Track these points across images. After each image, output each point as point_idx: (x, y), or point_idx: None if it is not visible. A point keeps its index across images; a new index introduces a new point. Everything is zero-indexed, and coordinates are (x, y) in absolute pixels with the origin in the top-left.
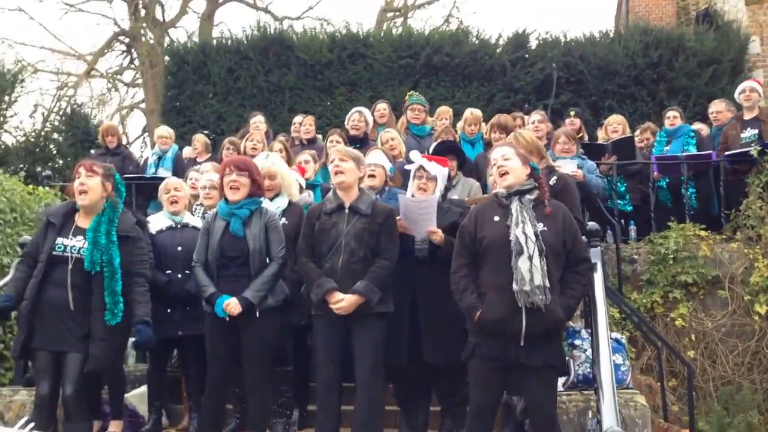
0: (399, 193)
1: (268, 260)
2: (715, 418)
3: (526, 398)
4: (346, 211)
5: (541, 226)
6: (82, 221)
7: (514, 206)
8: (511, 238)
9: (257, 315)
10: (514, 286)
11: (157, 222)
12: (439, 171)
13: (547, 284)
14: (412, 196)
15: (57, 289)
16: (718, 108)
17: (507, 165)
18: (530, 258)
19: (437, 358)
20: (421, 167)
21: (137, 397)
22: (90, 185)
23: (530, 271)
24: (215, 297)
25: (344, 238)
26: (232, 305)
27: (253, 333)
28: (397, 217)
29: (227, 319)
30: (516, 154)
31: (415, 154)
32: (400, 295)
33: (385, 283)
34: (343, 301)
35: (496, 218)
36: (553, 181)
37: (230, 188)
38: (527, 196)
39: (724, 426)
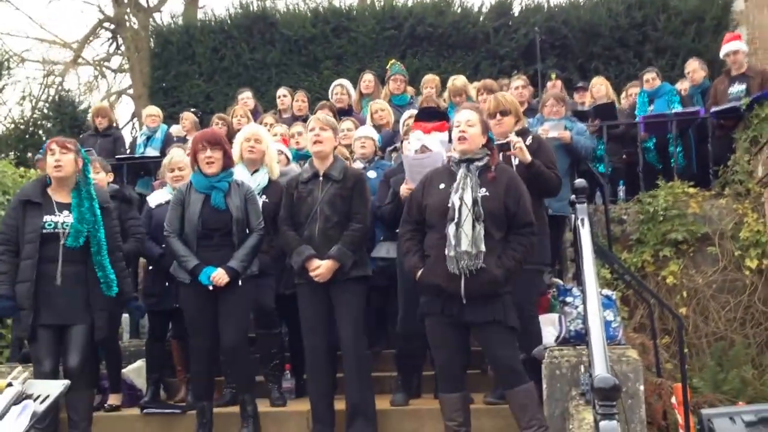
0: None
1: (247, 231)
2: (709, 374)
3: (486, 356)
4: (321, 178)
5: (483, 191)
6: (58, 196)
7: (460, 173)
8: (449, 205)
9: (239, 284)
10: (446, 252)
11: (158, 196)
12: (440, 139)
13: (482, 248)
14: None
15: (53, 265)
16: (692, 67)
17: (468, 131)
18: (458, 224)
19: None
20: (423, 146)
21: (135, 371)
22: (65, 161)
23: (456, 236)
24: (200, 268)
25: (319, 206)
26: (219, 275)
27: (231, 301)
28: (405, 182)
29: (211, 288)
30: (479, 121)
31: (414, 135)
32: None
33: (360, 247)
34: (320, 268)
35: (442, 186)
36: (529, 141)
37: (206, 163)
38: (476, 163)
39: (719, 382)
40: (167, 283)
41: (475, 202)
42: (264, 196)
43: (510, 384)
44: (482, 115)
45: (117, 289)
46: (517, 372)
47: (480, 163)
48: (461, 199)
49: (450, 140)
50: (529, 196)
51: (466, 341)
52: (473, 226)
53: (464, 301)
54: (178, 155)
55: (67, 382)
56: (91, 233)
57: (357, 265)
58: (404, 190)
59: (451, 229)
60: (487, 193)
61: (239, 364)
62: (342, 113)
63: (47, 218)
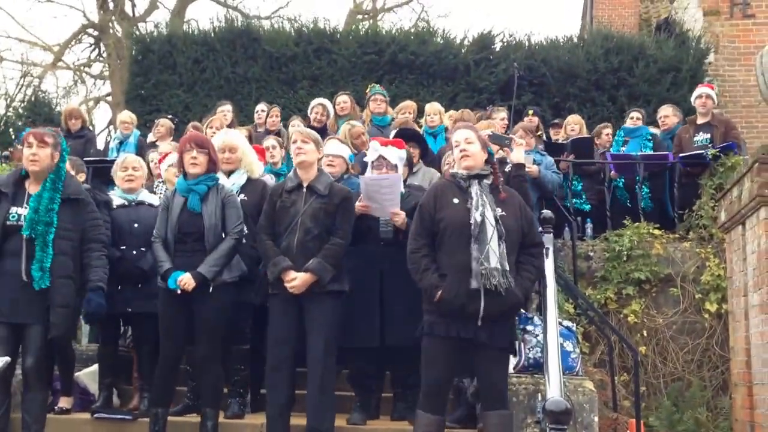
0: (360, 176)
1: (224, 236)
2: (665, 413)
3: (478, 376)
4: (304, 190)
5: (499, 211)
6: (33, 188)
7: (474, 189)
8: (471, 221)
9: (210, 290)
10: (473, 268)
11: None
12: (398, 155)
13: (506, 267)
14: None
15: (14, 260)
16: (665, 113)
17: (469, 149)
18: (488, 241)
19: (399, 340)
20: (380, 156)
21: (89, 375)
22: (41, 156)
23: (487, 253)
24: (170, 272)
25: (300, 217)
26: (185, 280)
27: (206, 308)
28: (359, 199)
29: (179, 292)
30: (477, 138)
31: (373, 144)
32: (369, 277)
33: (339, 262)
34: (296, 280)
35: (456, 200)
36: (507, 168)
37: (191, 164)
38: (485, 181)
39: (674, 422)
40: (119, 287)
41: (496, 220)
42: (242, 195)
43: (493, 405)
44: (478, 132)
45: (41, 287)
46: (504, 395)
47: (487, 181)
48: (483, 215)
49: (407, 158)
50: None
51: (463, 364)
52: (498, 244)
53: (479, 323)
54: (132, 156)
55: (7, 358)
56: (41, 226)
57: (334, 279)
58: (358, 206)
59: (481, 246)
60: (504, 213)
61: (209, 376)
62: (316, 132)
63: (13, 209)
